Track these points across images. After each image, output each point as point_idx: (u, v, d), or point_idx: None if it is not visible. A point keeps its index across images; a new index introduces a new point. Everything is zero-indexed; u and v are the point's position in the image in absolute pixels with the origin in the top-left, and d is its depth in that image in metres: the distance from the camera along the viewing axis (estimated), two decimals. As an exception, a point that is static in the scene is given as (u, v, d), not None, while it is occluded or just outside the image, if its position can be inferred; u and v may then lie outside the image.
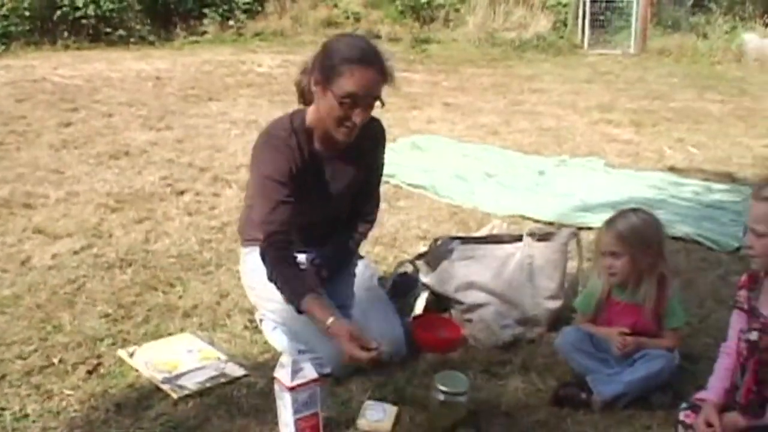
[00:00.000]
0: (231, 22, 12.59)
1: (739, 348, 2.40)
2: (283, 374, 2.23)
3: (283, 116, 2.88)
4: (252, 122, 6.86)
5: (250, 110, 7.44)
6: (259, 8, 13.00)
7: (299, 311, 2.68)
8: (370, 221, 3.17)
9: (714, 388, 2.44)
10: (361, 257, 3.18)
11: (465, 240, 3.35)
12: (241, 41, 12.35)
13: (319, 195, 2.87)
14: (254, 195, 2.87)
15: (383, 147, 3.04)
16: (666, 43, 13.12)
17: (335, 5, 13.40)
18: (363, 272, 3.07)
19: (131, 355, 2.79)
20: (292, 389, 2.21)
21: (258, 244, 2.85)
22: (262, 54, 11.18)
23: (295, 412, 2.23)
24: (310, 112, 2.80)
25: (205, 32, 12.40)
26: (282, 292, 2.72)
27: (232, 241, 3.99)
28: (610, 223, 2.82)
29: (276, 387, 2.29)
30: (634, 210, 2.87)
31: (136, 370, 2.72)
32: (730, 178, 5.80)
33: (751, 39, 12.77)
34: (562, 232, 3.33)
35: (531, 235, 3.24)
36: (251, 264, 2.98)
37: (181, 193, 4.80)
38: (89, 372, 2.72)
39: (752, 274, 2.44)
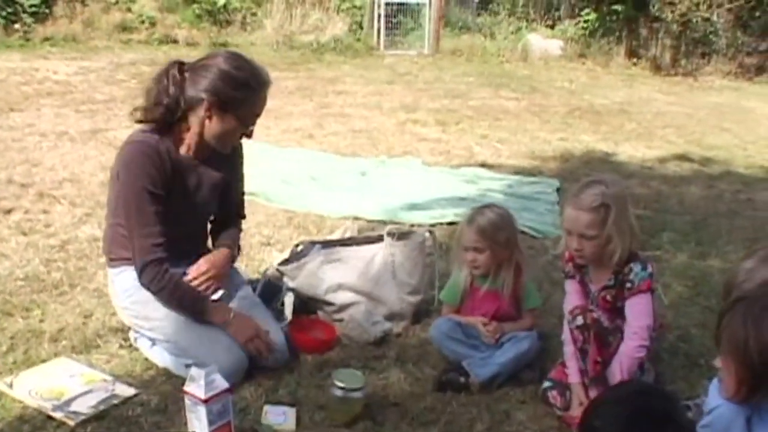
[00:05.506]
0: (17, 26, 11.80)
1: (574, 336, 2.71)
2: (194, 388, 2.26)
3: (144, 134, 2.82)
4: (63, 134, 6.56)
5: (57, 121, 7.09)
6: (47, 11, 12.26)
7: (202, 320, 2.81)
8: (238, 228, 3.25)
9: (574, 372, 2.74)
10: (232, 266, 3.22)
11: (326, 244, 3.48)
12: (30, 46, 11.60)
13: (185, 205, 2.87)
14: (126, 209, 2.76)
15: (242, 146, 3.09)
16: (457, 43, 13.88)
17: (129, 9, 12.91)
18: (236, 280, 3.13)
19: (10, 386, 2.67)
20: (206, 401, 2.25)
21: (127, 263, 2.84)
22: (55, 60, 10.61)
23: (210, 423, 2.27)
24: (188, 133, 2.81)
25: (-12, 36, 11.55)
26: (182, 310, 2.79)
27: (77, 259, 3.88)
28: (470, 220, 3.07)
29: (188, 401, 2.31)
30: (488, 206, 3.14)
31: (21, 402, 2.61)
32: (537, 170, 6.31)
33: (535, 39, 13.83)
34: (419, 231, 3.56)
35: (391, 234, 3.43)
36: (122, 285, 2.92)
37: (9, 211, 4.54)
38: (-34, 409, 2.59)
39: None
